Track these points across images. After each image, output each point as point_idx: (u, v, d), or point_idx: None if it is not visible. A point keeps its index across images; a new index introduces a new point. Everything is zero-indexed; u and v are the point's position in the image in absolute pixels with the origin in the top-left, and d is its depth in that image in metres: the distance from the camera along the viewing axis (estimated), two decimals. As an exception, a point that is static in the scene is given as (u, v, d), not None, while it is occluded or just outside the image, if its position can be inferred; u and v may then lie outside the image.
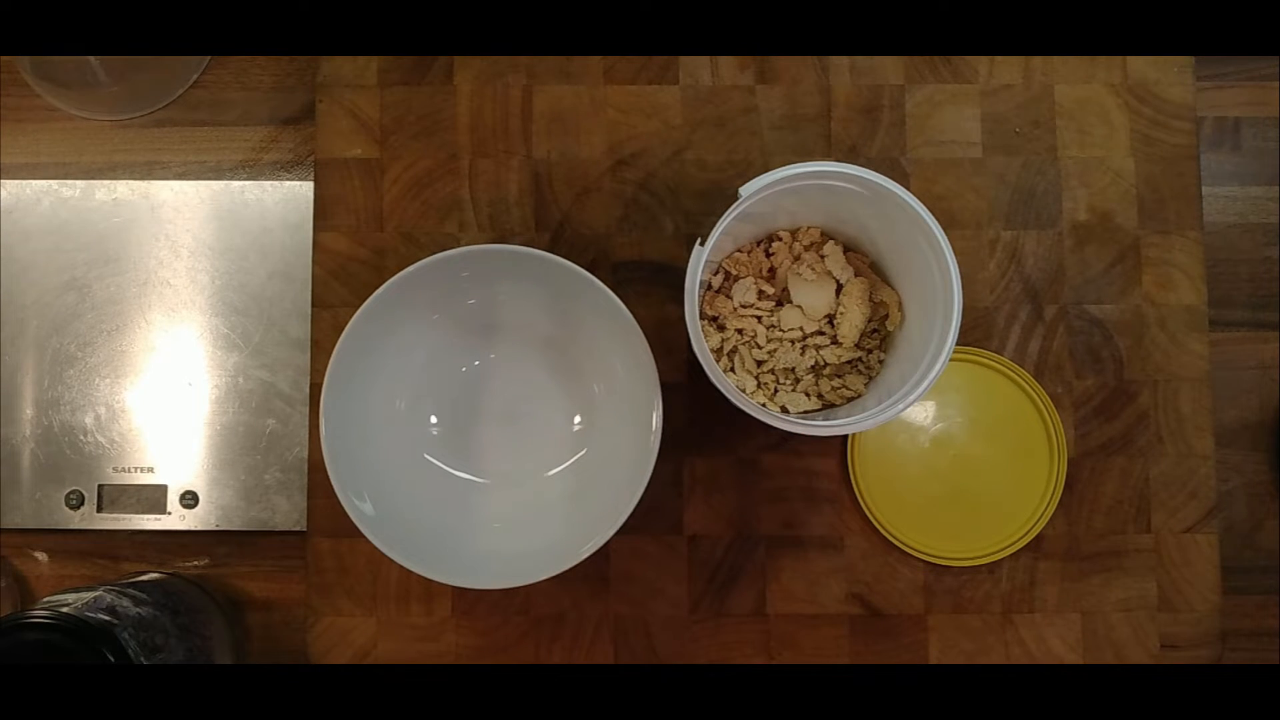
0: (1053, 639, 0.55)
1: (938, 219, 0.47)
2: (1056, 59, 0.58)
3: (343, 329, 0.50)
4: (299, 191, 0.59)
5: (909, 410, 0.53)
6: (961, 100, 0.57)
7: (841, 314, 0.52)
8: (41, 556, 0.58)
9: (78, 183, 0.59)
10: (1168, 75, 0.57)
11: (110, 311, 0.58)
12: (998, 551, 0.55)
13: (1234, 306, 0.60)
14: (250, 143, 0.60)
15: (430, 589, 0.55)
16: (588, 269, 0.50)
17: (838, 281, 0.52)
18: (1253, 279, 0.60)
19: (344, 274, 0.56)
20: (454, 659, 0.55)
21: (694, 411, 0.56)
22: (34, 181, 0.59)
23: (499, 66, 0.57)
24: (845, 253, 0.53)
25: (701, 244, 0.46)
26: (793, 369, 0.52)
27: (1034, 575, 0.55)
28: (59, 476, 0.57)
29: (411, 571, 0.49)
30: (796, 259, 0.53)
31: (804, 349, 0.52)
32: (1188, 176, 0.57)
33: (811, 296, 0.52)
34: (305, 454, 0.57)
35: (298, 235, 0.58)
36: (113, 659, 0.45)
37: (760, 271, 0.53)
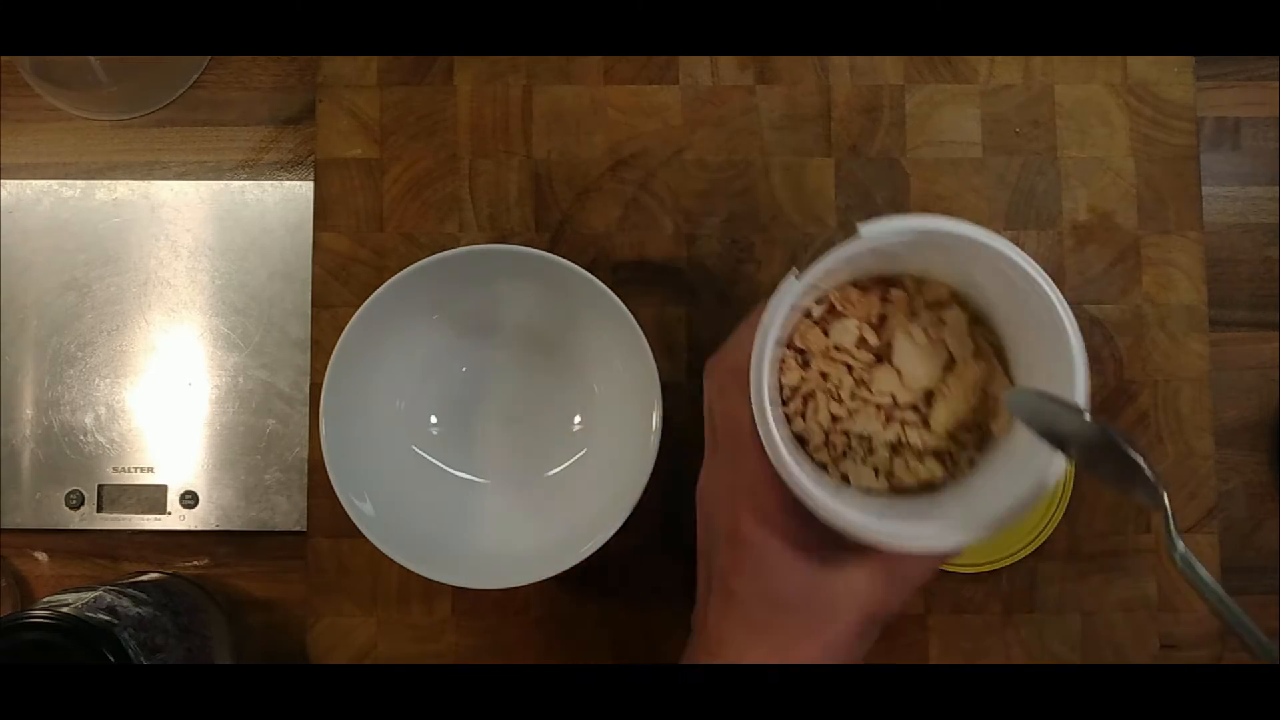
0: (1053, 639, 0.55)
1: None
2: (1056, 59, 0.58)
3: (343, 329, 0.50)
4: (299, 191, 0.59)
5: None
6: (961, 100, 0.57)
7: (942, 397, 0.43)
8: (41, 556, 0.58)
9: (78, 183, 0.59)
10: (1168, 75, 0.57)
11: (110, 311, 0.58)
12: (1002, 560, 0.55)
13: (1234, 306, 0.59)
14: (250, 143, 0.60)
15: (430, 589, 0.55)
16: (588, 269, 0.50)
17: (951, 355, 0.43)
18: (1253, 279, 0.60)
19: (344, 274, 0.56)
20: (454, 659, 0.55)
21: (694, 411, 0.56)
22: (34, 181, 0.59)
23: (499, 66, 0.57)
24: (972, 325, 0.43)
25: (797, 277, 0.39)
26: (869, 438, 0.44)
27: (1034, 575, 0.55)
28: (59, 476, 0.57)
29: (411, 571, 0.49)
30: (914, 315, 0.44)
31: (888, 420, 0.43)
32: (1188, 176, 0.57)
33: (915, 363, 0.43)
34: (305, 454, 0.57)
35: (298, 235, 0.58)
36: (113, 659, 0.45)
37: (870, 317, 0.44)
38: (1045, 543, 0.55)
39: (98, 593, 0.50)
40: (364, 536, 0.49)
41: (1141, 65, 0.57)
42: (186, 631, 0.52)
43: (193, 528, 0.57)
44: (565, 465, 0.55)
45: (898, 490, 0.43)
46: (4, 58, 0.60)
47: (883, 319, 0.44)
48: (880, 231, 0.38)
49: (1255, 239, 0.60)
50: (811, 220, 0.57)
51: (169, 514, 0.57)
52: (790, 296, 0.39)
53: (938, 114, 0.57)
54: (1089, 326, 0.56)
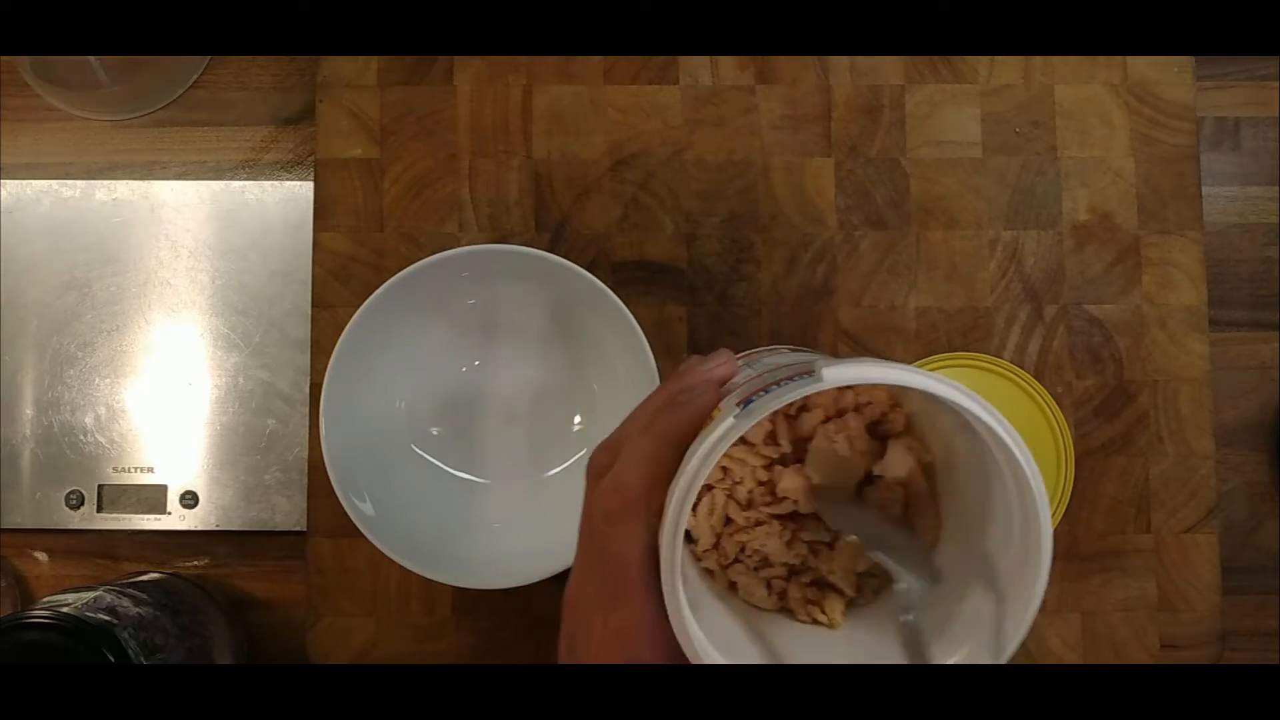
0: (1053, 639, 0.55)
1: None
2: (1056, 59, 0.58)
3: (343, 329, 0.50)
4: (299, 191, 0.59)
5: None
6: (961, 100, 0.57)
7: None
8: (41, 556, 0.58)
9: (78, 183, 0.59)
10: (1168, 75, 0.57)
11: (110, 311, 0.58)
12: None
13: (1234, 306, 0.59)
14: (250, 143, 0.60)
15: (430, 589, 0.55)
16: (588, 269, 0.50)
17: (870, 471, 0.38)
18: (1253, 279, 0.60)
19: (344, 274, 0.56)
20: (454, 659, 0.55)
21: (694, 411, 0.56)
22: (34, 181, 0.59)
23: (499, 66, 0.57)
24: (903, 433, 0.38)
25: (738, 415, 0.31)
26: (767, 554, 0.37)
27: (1034, 575, 0.55)
28: (59, 476, 0.57)
29: (411, 571, 0.49)
30: (839, 414, 0.38)
31: (792, 539, 0.37)
32: (1188, 176, 0.57)
33: (829, 473, 0.37)
34: (305, 454, 0.57)
35: (298, 235, 0.58)
36: (113, 659, 0.45)
37: (789, 407, 0.37)
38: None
39: (98, 593, 0.50)
40: (364, 536, 0.49)
41: (1141, 65, 0.57)
42: (186, 631, 0.52)
43: (193, 528, 0.57)
44: (565, 465, 0.55)
45: (788, 612, 0.38)
46: (4, 58, 0.60)
47: (802, 411, 0.38)
48: (844, 377, 0.31)
49: (1255, 239, 0.60)
50: (811, 220, 0.57)
51: (169, 514, 0.57)
52: (729, 441, 0.31)
53: (938, 114, 0.57)
54: (1089, 326, 0.56)
